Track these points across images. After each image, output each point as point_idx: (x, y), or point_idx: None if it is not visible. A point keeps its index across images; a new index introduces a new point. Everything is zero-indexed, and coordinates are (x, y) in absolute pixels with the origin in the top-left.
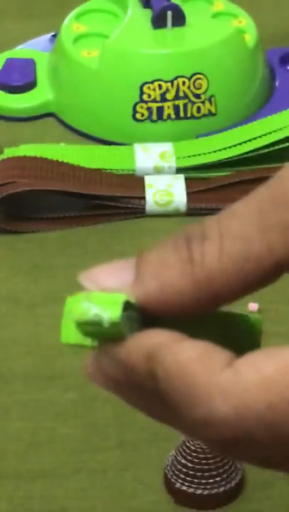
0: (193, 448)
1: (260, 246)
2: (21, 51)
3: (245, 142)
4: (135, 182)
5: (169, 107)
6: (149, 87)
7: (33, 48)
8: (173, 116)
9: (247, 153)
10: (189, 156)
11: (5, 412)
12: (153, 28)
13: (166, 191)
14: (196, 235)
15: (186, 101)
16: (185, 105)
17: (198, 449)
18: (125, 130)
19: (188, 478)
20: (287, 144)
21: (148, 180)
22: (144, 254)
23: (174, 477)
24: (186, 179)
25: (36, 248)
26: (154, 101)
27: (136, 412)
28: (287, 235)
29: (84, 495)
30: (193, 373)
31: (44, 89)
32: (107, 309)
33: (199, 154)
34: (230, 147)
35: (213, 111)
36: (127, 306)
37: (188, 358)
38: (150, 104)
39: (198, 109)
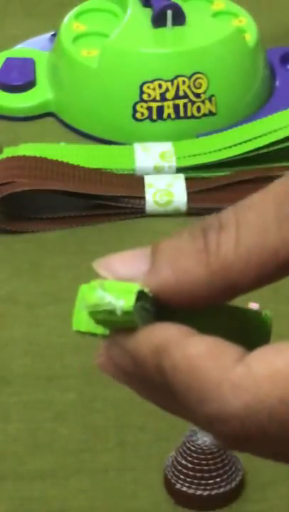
0: (193, 449)
1: (276, 237)
2: (21, 50)
3: (245, 142)
4: (135, 182)
5: (169, 107)
6: (149, 87)
7: (33, 47)
8: (173, 115)
9: (247, 152)
10: (189, 156)
11: (5, 412)
12: (153, 27)
13: (166, 191)
14: (212, 225)
15: (186, 100)
16: (185, 105)
17: (199, 450)
18: (125, 130)
19: (188, 479)
20: (287, 144)
21: (148, 180)
22: (159, 243)
23: (174, 478)
24: (187, 179)
25: (36, 248)
26: (154, 100)
27: (136, 413)
28: None
29: (84, 495)
30: (203, 369)
31: (44, 88)
32: (121, 298)
33: (199, 154)
34: (230, 147)
35: (213, 110)
36: (141, 296)
37: (197, 354)
38: (150, 104)
39: (199, 109)
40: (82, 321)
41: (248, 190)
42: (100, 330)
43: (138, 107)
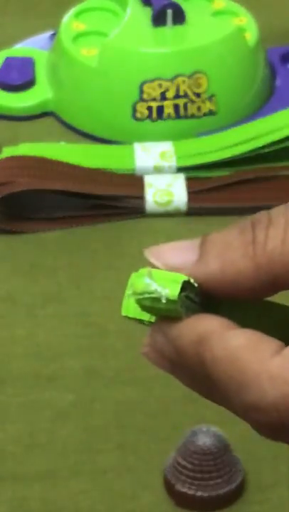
0: (193, 449)
1: None
2: (20, 49)
3: (245, 142)
4: (135, 182)
5: (169, 106)
6: (149, 86)
7: (32, 47)
8: (173, 115)
9: (247, 152)
10: (190, 156)
11: (4, 413)
12: (153, 27)
13: (166, 191)
14: (262, 220)
15: (186, 100)
16: (185, 104)
17: (199, 451)
18: (125, 129)
19: (188, 480)
20: (287, 144)
21: (148, 179)
22: (209, 236)
23: (174, 479)
24: (187, 179)
25: (36, 248)
26: (154, 100)
27: (136, 414)
28: None
29: (84, 496)
30: (242, 360)
31: (43, 87)
32: (167, 287)
33: (200, 154)
34: (230, 146)
35: (213, 110)
36: (187, 286)
37: (237, 346)
38: (150, 103)
39: (199, 108)
40: (130, 308)
41: (248, 190)
42: (146, 317)
43: (138, 107)
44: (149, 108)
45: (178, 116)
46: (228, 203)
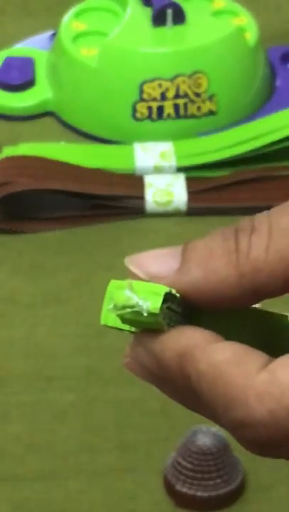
0: (193, 449)
1: None
2: (20, 49)
3: (245, 141)
4: (135, 182)
5: (169, 106)
6: (149, 86)
7: (32, 46)
8: (173, 115)
9: (247, 152)
10: (190, 156)
11: (4, 413)
12: (153, 26)
13: (166, 191)
14: (245, 227)
15: (186, 100)
16: (185, 104)
17: (199, 451)
18: (125, 129)
19: (188, 480)
20: (287, 144)
21: (148, 179)
22: (190, 243)
23: (174, 479)
24: (187, 178)
25: (36, 248)
26: (154, 100)
27: (136, 414)
28: None
29: (83, 497)
30: (228, 375)
31: (43, 87)
32: (148, 299)
33: (200, 153)
34: (230, 146)
35: (213, 110)
36: (169, 298)
37: (222, 360)
38: (150, 103)
39: (199, 108)
40: (109, 317)
41: (248, 190)
42: (126, 327)
43: (138, 107)
44: (149, 108)
45: (178, 116)
46: (228, 203)
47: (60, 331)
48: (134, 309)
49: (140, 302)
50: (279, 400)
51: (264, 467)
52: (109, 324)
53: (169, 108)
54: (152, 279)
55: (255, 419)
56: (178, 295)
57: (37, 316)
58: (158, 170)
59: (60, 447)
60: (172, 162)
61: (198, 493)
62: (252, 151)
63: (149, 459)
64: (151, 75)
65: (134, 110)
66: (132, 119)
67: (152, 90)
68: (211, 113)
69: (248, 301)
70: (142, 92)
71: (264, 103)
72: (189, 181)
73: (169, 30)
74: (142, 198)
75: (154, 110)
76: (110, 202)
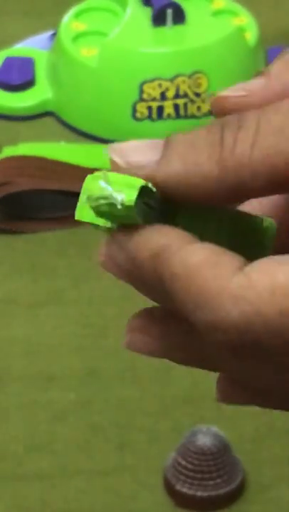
0: (193, 449)
1: None
2: (20, 49)
3: None
4: None
5: (169, 106)
6: (148, 86)
7: (32, 47)
8: (173, 115)
9: None
10: None
11: (4, 413)
12: (153, 26)
13: None
14: (231, 122)
15: (186, 100)
16: (185, 104)
17: (199, 451)
18: (125, 129)
19: (188, 480)
20: None
21: None
22: (173, 135)
23: (174, 479)
24: None
25: (36, 248)
26: (154, 100)
27: (136, 414)
28: None
29: (83, 497)
30: (202, 277)
31: (43, 87)
32: (123, 191)
33: None
34: None
35: None
36: (145, 192)
37: (197, 262)
38: (150, 103)
39: (199, 108)
40: (84, 212)
41: None
42: (101, 222)
43: (138, 107)
44: (149, 108)
45: (178, 116)
46: None
47: (60, 331)
48: (108, 201)
49: (114, 194)
50: (253, 303)
51: (264, 467)
52: (84, 219)
53: (169, 108)
54: (131, 168)
55: (229, 322)
56: (155, 190)
57: (37, 316)
58: None
59: (60, 447)
60: None
61: (198, 493)
62: None
63: (148, 459)
64: (151, 75)
65: (134, 110)
66: (132, 119)
67: (152, 90)
68: (211, 113)
69: (227, 199)
70: (141, 92)
71: None
72: None
73: (169, 30)
74: None
75: (154, 110)
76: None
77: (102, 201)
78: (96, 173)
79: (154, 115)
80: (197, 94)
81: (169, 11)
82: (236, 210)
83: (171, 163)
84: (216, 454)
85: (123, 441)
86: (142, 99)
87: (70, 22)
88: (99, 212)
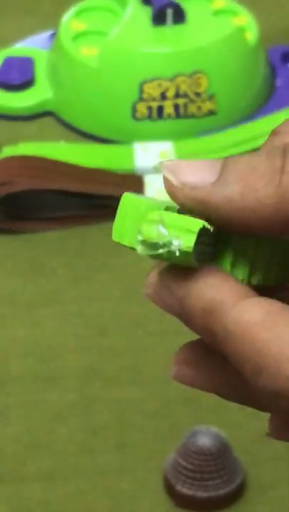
0: (193, 449)
1: None
2: (20, 49)
3: (245, 141)
4: (135, 181)
5: (169, 106)
6: (149, 86)
7: (32, 46)
8: (173, 115)
9: (248, 152)
10: (190, 156)
11: (3, 413)
12: (153, 26)
13: None
14: None
15: (186, 100)
16: (185, 104)
17: (199, 451)
18: (125, 129)
19: (188, 480)
20: None
21: (148, 179)
22: (232, 157)
23: (174, 479)
24: None
25: (36, 248)
26: (154, 100)
27: (135, 414)
28: None
29: (83, 497)
30: (259, 340)
31: (43, 87)
32: (181, 237)
33: (200, 153)
34: (230, 146)
35: (213, 110)
36: (203, 233)
37: (254, 322)
38: (150, 103)
39: (199, 108)
40: (125, 234)
41: None
42: (145, 250)
43: (138, 107)
44: (149, 108)
45: (178, 116)
46: None
47: (59, 330)
48: (166, 248)
49: (173, 240)
50: None
51: (264, 467)
52: (124, 243)
53: (169, 108)
54: (185, 188)
55: None
56: (211, 228)
57: (36, 316)
58: (158, 170)
59: (60, 447)
60: None
61: (198, 494)
62: (252, 151)
63: (148, 459)
64: (151, 75)
65: (134, 110)
66: (132, 119)
67: (152, 90)
68: (211, 113)
69: (281, 230)
70: (141, 91)
71: (264, 102)
72: None
73: (169, 29)
74: None
75: (154, 110)
76: (110, 202)
77: (161, 250)
78: (151, 215)
79: (154, 115)
80: (197, 94)
81: (169, 11)
82: (284, 239)
83: (229, 185)
84: (216, 455)
85: (123, 441)
86: (141, 99)
87: (70, 22)
88: (148, 252)
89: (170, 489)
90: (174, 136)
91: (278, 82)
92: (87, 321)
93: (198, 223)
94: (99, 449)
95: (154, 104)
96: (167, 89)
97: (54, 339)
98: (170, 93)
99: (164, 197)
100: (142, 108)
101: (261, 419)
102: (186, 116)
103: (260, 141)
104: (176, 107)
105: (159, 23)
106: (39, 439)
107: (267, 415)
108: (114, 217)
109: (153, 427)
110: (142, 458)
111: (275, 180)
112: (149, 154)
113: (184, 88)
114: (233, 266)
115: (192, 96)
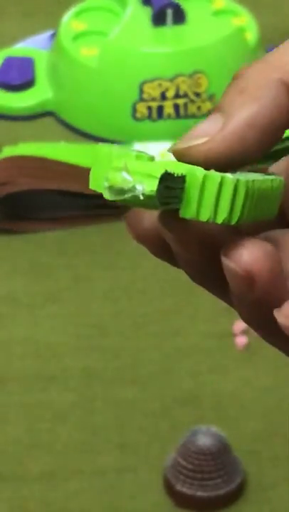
0: (193, 449)
1: None
2: (20, 49)
3: None
4: None
5: (169, 106)
6: (148, 86)
7: (32, 46)
8: (173, 115)
9: None
10: None
11: (4, 413)
12: (153, 26)
13: None
14: None
15: (186, 100)
16: (185, 104)
17: (199, 451)
18: (125, 129)
19: (188, 480)
20: (287, 144)
21: None
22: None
23: (174, 479)
24: None
25: (36, 248)
26: (154, 100)
27: (136, 414)
28: None
29: (83, 496)
30: None
31: (43, 87)
32: (144, 182)
33: None
34: None
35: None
36: (168, 178)
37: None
38: (150, 103)
39: (199, 108)
40: (97, 182)
41: None
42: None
43: (138, 107)
44: (149, 108)
45: (178, 116)
46: None
47: (60, 330)
48: (131, 194)
49: (137, 185)
50: None
51: (264, 467)
52: (97, 190)
53: (169, 108)
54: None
55: None
56: (177, 173)
57: (37, 316)
58: None
59: (60, 447)
60: None
61: (198, 493)
62: None
63: (148, 459)
64: (151, 75)
65: (134, 110)
66: (132, 119)
67: (152, 90)
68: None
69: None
70: (141, 92)
71: None
72: None
73: (169, 30)
74: None
75: (154, 110)
76: (110, 202)
77: (126, 195)
78: (116, 162)
79: (154, 115)
80: (197, 94)
81: (169, 11)
82: (259, 167)
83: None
84: (216, 454)
85: (123, 441)
86: (141, 99)
87: (70, 22)
88: (120, 200)
89: (170, 489)
90: (174, 136)
91: None
92: (87, 320)
93: (160, 169)
94: (99, 448)
95: (154, 104)
96: (167, 90)
97: (54, 339)
98: (170, 93)
99: None
100: (141, 108)
101: (261, 419)
102: (186, 116)
103: None
104: (176, 107)
105: (159, 24)
106: (39, 439)
107: (266, 415)
108: (114, 217)
109: (153, 427)
110: (141, 458)
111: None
112: (149, 154)
113: (183, 88)
114: (199, 206)
115: (192, 96)
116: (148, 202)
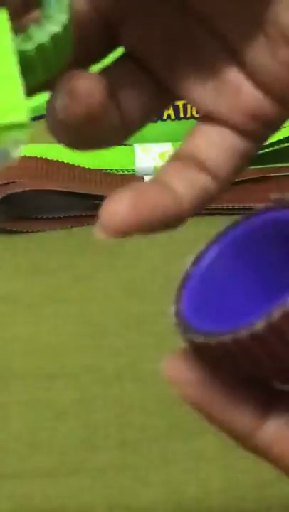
0: None
1: None
2: None
3: None
4: (135, 182)
5: (168, 107)
6: None
7: None
8: (173, 116)
9: None
10: None
11: (5, 411)
12: None
13: None
14: None
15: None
16: (185, 105)
17: None
18: None
19: None
20: (287, 144)
21: (148, 180)
22: None
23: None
24: None
25: (36, 248)
26: None
27: (136, 412)
28: None
29: (84, 494)
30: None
31: None
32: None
33: None
34: None
35: None
36: None
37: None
38: None
39: None
40: None
41: (248, 190)
42: None
43: None
44: None
45: (178, 117)
46: (229, 203)
47: (60, 330)
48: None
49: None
50: None
51: (264, 467)
52: None
53: (168, 109)
54: None
55: None
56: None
57: (37, 316)
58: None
59: (62, 445)
60: None
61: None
62: None
63: (149, 456)
64: None
65: None
66: None
67: None
68: None
69: None
70: None
71: None
72: None
73: None
74: None
75: None
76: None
77: None
78: None
79: None
80: None
81: None
82: None
83: None
84: None
85: (123, 439)
86: None
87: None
88: None
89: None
90: (174, 137)
91: None
92: (87, 320)
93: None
94: (100, 446)
95: None
96: None
97: (55, 338)
98: None
99: None
100: None
101: None
102: (186, 117)
103: None
104: (176, 108)
105: None
106: (40, 437)
107: None
108: None
109: (153, 425)
110: (142, 455)
111: None
112: (149, 155)
113: None
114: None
115: None
116: None
